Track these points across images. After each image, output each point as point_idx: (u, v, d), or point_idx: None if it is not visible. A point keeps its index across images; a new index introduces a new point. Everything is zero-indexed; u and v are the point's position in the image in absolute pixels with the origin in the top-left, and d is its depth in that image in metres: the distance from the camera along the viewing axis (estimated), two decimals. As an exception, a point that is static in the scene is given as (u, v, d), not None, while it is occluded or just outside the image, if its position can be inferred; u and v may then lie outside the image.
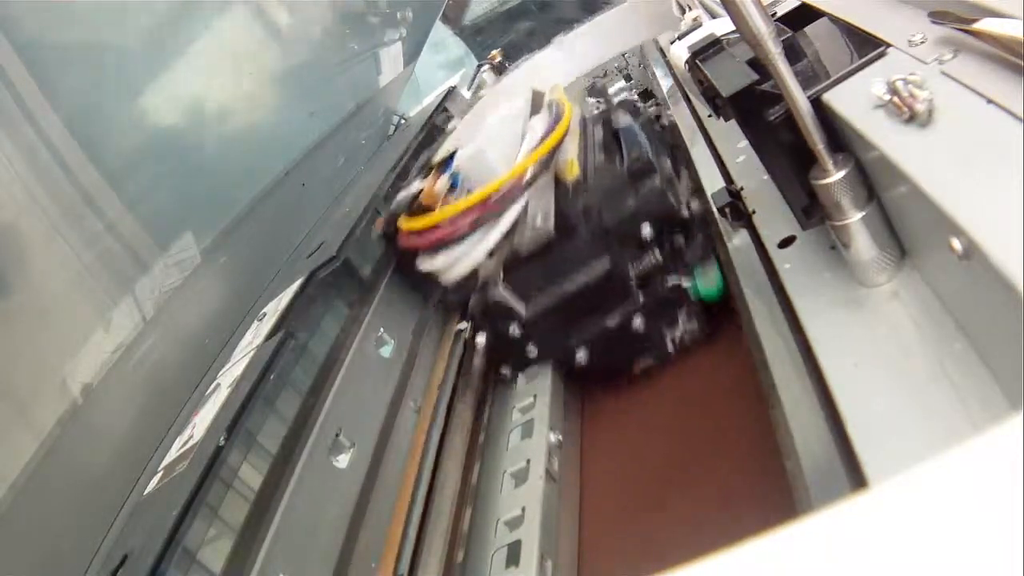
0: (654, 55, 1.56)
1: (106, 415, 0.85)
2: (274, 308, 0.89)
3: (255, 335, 0.86)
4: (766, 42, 0.50)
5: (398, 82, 1.91)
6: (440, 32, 2.48)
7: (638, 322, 0.91)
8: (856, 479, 0.45)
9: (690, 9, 1.20)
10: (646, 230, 0.90)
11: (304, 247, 1.10)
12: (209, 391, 0.79)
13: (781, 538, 0.23)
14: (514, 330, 0.94)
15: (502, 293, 0.92)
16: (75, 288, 0.92)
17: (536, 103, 1.03)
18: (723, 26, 0.81)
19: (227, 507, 0.65)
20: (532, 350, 0.95)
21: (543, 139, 0.93)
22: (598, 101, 1.54)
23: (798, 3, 0.73)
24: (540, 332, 0.94)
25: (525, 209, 0.90)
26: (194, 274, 1.05)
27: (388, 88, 1.86)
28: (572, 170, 0.94)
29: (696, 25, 1.01)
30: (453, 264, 0.91)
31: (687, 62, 0.82)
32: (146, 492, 0.68)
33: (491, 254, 0.90)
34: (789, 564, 0.22)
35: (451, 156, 0.99)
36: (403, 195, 1.02)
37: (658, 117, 1.30)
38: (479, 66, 1.99)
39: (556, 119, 0.96)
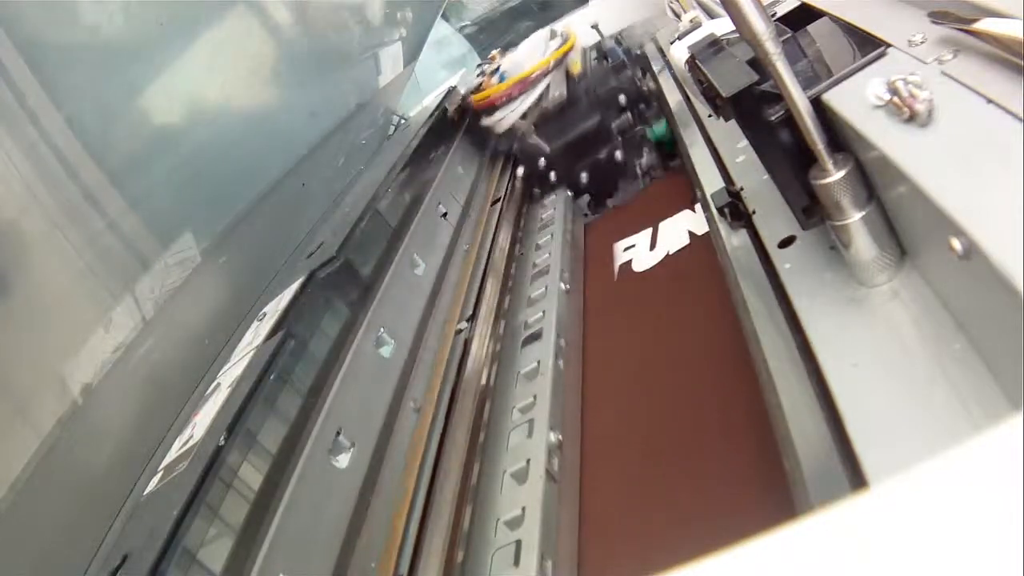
0: (654, 55, 1.57)
1: (106, 415, 0.85)
2: (274, 308, 0.89)
3: (255, 335, 0.86)
4: (766, 42, 0.50)
5: (398, 82, 1.91)
6: (443, 30, 2.48)
7: (619, 155, 1.48)
8: (856, 479, 0.45)
9: (684, 12, 1.22)
10: (622, 98, 1.52)
11: (304, 247, 1.10)
12: (209, 391, 0.79)
13: (781, 538, 0.23)
14: (541, 163, 1.50)
15: (534, 139, 1.50)
16: (75, 287, 0.92)
17: (552, 35, 1.56)
18: (723, 26, 0.81)
19: (227, 507, 0.65)
20: (553, 175, 1.50)
21: (558, 48, 1.48)
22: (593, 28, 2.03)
23: (798, 3, 0.73)
24: (558, 164, 1.49)
25: (547, 88, 1.47)
26: (194, 274, 1.05)
27: (388, 88, 1.86)
28: (576, 68, 1.53)
29: (696, 25, 1.01)
30: (502, 119, 1.49)
31: (687, 62, 0.82)
32: (146, 492, 0.68)
33: (525, 115, 1.48)
34: (789, 564, 0.22)
35: (499, 67, 1.55)
36: (469, 86, 1.63)
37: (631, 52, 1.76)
38: (479, 66, 1.99)
39: (565, 39, 1.52)
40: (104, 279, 0.96)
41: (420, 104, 1.84)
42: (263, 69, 1.45)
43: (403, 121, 1.78)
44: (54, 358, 0.84)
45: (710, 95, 0.72)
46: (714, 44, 0.75)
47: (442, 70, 2.35)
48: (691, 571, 0.23)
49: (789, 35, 0.65)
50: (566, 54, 1.49)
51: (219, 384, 0.79)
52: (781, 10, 0.74)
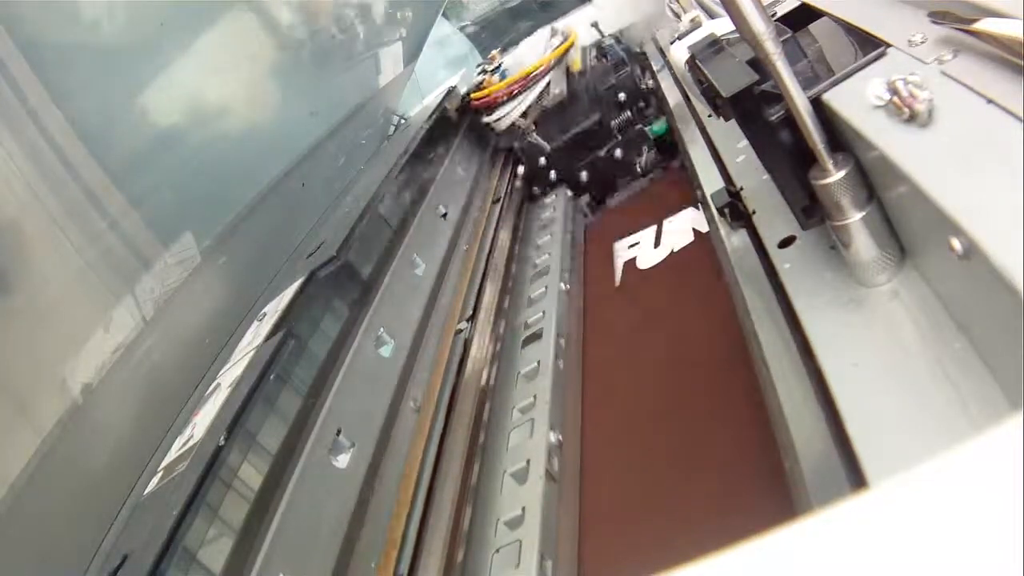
0: (654, 55, 1.57)
1: (106, 415, 0.85)
2: (274, 308, 0.89)
3: (255, 335, 0.86)
4: (766, 42, 0.50)
5: (398, 82, 1.91)
6: (443, 29, 2.47)
7: (619, 152, 1.58)
8: (856, 479, 0.45)
9: (685, 12, 1.21)
10: (621, 95, 1.59)
11: (304, 247, 1.10)
12: (209, 391, 0.79)
13: (781, 538, 0.23)
14: (541, 161, 1.60)
15: (534, 137, 1.59)
16: (76, 287, 0.92)
17: (553, 33, 1.67)
18: (723, 26, 0.81)
19: (227, 507, 0.65)
20: (553, 174, 1.60)
21: (558, 46, 1.58)
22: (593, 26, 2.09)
23: (798, 3, 0.73)
24: (558, 162, 1.60)
25: (548, 85, 1.56)
26: (194, 274, 1.05)
27: (388, 88, 1.86)
28: (577, 65, 1.63)
29: (696, 25, 1.01)
30: (503, 117, 1.57)
31: (687, 62, 0.82)
32: (146, 492, 0.68)
33: (526, 113, 1.57)
34: (789, 564, 0.22)
35: (500, 64, 1.68)
36: (472, 84, 1.70)
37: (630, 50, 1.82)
38: (479, 66, 1.99)
39: (565, 38, 1.61)
40: (104, 278, 0.96)
41: (420, 104, 1.84)
42: (263, 69, 1.45)
43: (403, 121, 1.78)
44: (54, 358, 0.84)
45: (710, 95, 0.72)
46: (714, 44, 0.75)
47: (442, 69, 2.35)
48: (691, 571, 0.23)
49: (789, 35, 0.65)
50: (566, 52, 1.58)
51: (219, 384, 0.79)
52: (781, 10, 0.74)
